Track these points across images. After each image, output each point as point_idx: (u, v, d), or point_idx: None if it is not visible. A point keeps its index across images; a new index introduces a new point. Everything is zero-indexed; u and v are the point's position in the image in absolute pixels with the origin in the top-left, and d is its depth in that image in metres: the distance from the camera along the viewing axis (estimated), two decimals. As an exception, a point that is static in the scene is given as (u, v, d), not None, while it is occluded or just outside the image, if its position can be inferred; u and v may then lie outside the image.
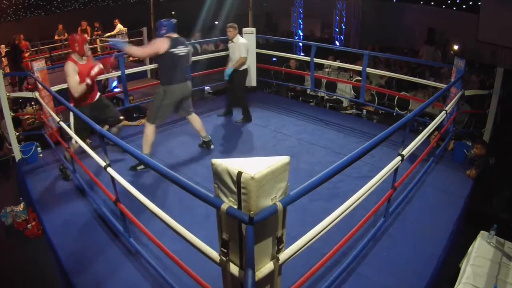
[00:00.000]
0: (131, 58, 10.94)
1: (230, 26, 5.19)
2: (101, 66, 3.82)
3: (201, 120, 4.57)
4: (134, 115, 5.64)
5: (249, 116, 5.62)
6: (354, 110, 7.03)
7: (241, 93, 5.52)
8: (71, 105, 3.70)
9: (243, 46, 5.18)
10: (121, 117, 4.26)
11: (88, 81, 3.70)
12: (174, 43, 3.97)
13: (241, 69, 5.26)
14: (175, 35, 4.04)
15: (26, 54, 9.42)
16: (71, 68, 3.67)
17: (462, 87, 4.48)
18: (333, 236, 2.21)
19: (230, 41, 5.25)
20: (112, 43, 4.32)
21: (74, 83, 3.67)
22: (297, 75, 7.35)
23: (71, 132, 3.46)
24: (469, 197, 3.65)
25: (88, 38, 11.59)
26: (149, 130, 4.12)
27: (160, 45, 3.92)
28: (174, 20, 4.06)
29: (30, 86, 8.05)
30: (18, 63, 8.96)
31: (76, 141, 3.45)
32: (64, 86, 4.89)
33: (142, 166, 4.13)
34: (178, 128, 5.42)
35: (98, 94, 4.00)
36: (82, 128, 3.69)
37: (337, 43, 13.05)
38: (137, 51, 4.16)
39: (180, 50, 4.03)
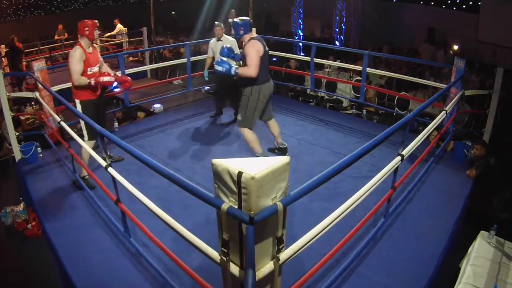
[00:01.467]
0: (131, 58, 10.97)
1: (218, 25, 5.25)
2: (112, 78, 3.69)
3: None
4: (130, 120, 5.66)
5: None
6: (354, 110, 7.03)
7: (237, 90, 5.57)
8: (75, 99, 3.65)
9: (236, 43, 5.23)
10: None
11: (92, 82, 3.58)
12: (262, 41, 3.78)
13: None
14: (255, 34, 3.89)
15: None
16: (78, 54, 3.52)
17: (462, 87, 4.48)
18: (333, 236, 2.21)
19: (217, 40, 5.28)
20: (221, 69, 3.71)
21: (77, 71, 3.53)
22: (297, 75, 7.35)
23: (81, 141, 3.24)
24: (469, 197, 3.65)
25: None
26: (248, 133, 3.94)
27: (258, 49, 3.67)
28: (248, 19, 3.84)
29: (30, 86, 8.06)
30: (16, 64, 8.98)
31: (85, 150, 3.29)
32: (64, 86, 4.91)
33: None
34: (178, 128, 5.42)
35: (100, 90, 3.91)
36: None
37: (337, 43, 13.05)
38: (248, 70, 3.66)
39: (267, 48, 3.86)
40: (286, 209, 1.60)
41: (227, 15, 7.35)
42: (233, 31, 3.88)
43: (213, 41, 5.37)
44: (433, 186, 3.82)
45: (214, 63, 3.86)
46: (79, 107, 3.69)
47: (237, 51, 5.26)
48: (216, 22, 5.34)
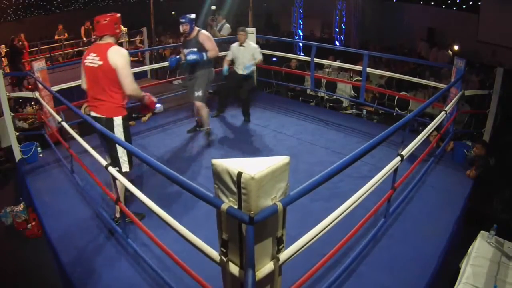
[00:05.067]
0: (131, 58, 10.95)
1: (242, 30, 5.21)
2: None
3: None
4: (133, 115, 5.64)
5: (249, 116, 5.66)
6: (354, 110, 7.03)
7: (250, 95, 5.59)
8: (114, 116, 2.89)
9: (258, 49, 5.24)
10: None
11: (146, 97, 3.04)
12: None
13: (250, 71, 5.29)
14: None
15: (24, 55, 9.43)
16: (128, 58, 2.83)
17: (462, 87, 4.48)
18: (333, 236, 2.21)
19: (239, 45, 5.22)
20: (195, 58, 4.39)
21: (133, 79, 2.87)
22: (297, 75, 7.35)
23: (117, 174, 2.62)
24: (469, 197, 3.65)
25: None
26: (205, 109, 4.68)
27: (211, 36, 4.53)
28: (193, 15, 4.52)
29: (30, 86, 8.05)
30: (16, 64, 8.96)
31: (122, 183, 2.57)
32: (64, 86, 4.91)
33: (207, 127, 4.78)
34: (179, 128, 5.42)
35: None
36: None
37: (337, 43, 13.04)
38: (214, 52, 4.46)
39: None
40: (286, 209, 1.60)
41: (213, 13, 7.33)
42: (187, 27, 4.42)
43: (235, 45, 5.27)
44: (433, 186, 3.81)
45: (186, 55, 4.45)
46: (119, 126, 2.93)
47: (260, 57, 5.22)
48: (240, 28, 5.28)
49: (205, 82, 4.56)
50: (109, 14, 2.91)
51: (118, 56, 2.76)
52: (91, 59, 2.83)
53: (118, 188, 2.80)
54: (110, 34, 2.87)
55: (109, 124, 2.87)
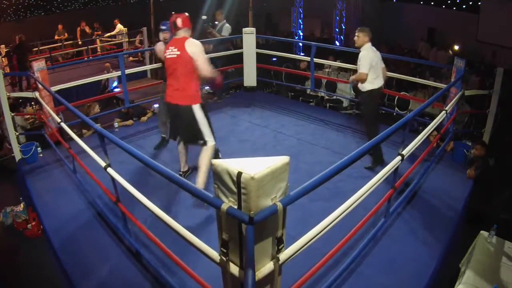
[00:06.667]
0: (131, 58, 10.96)
1: (360, 31, 3.99)
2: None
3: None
4: (134, 118, 5.64)
5: (380, 158, 4.01)
6: (354, 110, 7.03)
7: (371, 121, 4.19)
8: (192, 104, 3.23)
9: (365, 58, 3.94)
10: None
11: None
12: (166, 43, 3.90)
13: (368, 89, 3.99)
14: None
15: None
16: (202, 47, 3.23)
17: (462, 87, 4.48)
18: (333, 236, 2.20)
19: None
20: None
21: (208, 63, 3.25)
22: (297, 75, 7.35)
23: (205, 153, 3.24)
24: (469, 197, 3.65)
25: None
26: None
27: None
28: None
29: (33, 86, 8.03)
30: (24, 62, 8.92)
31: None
32: (64, 86, 4.91)
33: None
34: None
35: None
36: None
37: (337, 43, 13.05)
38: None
39: None
40: (286, 209, 1.60)
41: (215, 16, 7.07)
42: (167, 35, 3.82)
43: None
44: (433, 186, 3.81)
45: None
46: (199, 112, 3.29)
47: (361, 70, 3.98)
48: (359, 28, 4.11)
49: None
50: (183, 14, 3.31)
51: (194, 46, 3.18)
52: (170, 51, 3.23)
53: (204, 163, 3.18)
54: (187, 27, 3.26)
55: (189, 111, 3.25)
